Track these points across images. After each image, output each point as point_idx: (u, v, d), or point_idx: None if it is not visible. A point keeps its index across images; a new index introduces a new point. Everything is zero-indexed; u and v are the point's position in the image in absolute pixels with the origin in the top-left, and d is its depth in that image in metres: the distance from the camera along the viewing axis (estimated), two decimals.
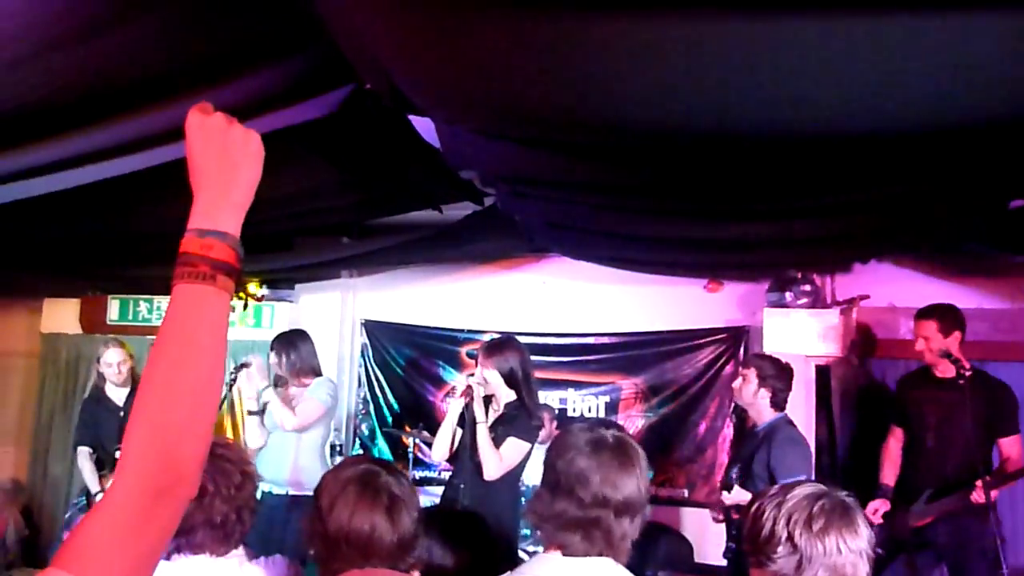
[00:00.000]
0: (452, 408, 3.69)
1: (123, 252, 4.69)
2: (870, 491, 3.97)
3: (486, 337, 5.39)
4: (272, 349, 4.35)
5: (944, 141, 2.48)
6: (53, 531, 5.89)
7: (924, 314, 3.84)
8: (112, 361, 4.73)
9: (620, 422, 5.45)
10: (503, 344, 3.77)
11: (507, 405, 3.59)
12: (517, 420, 3.53)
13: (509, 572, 1.68)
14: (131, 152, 2.69)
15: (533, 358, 5.56)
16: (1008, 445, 3.66)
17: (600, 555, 1.61)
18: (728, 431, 5.26)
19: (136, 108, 2.41)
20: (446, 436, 3.70)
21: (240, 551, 1.94)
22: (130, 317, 5.90)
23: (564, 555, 1.61)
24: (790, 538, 1.45)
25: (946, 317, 3.77)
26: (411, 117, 2.74)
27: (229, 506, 1.87)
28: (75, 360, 6.10)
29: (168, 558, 1.91)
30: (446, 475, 5.27)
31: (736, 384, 3.83)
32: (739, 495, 3.56)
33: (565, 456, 1.66)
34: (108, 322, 5.95)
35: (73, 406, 6.00)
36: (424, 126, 2.85)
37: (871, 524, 3.75)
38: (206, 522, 1.84)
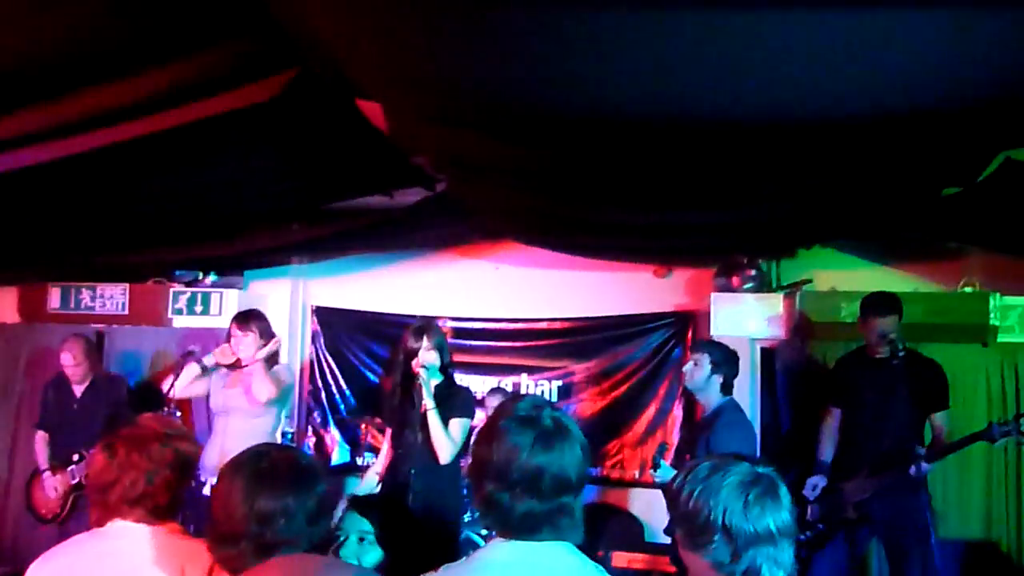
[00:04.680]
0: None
1: (65, 238, 4.57)
2: (814, 471, 4.10)
3: (440, 323, 5.40)
4: (252, 327, 4.18)
5: (881, 131, 2.57)
6: None
7: (887, 310, 3.86)
8: (66, 364, 4.83)
9: (573, 406, 5.53)
10: (436, 326, 3.82)
11: (437, 387, 3.61)
12: (454, 399, 3.56)
13: (464, 559, 1.65)
14: (76, 134, 2.63)
15: (486, 343, 5.65)
16: (939, 420, 3.84)
17: (561, 539, 1.60)
18: (678, 413, 5.37)
19: (78, 90, 2.36)
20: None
21: (173, 525, 1.99)
22: (72, 305, 5.72)
23: (520, 540, 1.58)
24: (726, 528, 1.46)
25: (898, 308, 3.88)
26: (360, 101, 2.73)
27: (138, 471, 1.93)
28: (15, 351, 5.91)
29: (101, 525, 1.97)
30: None
31: (687, 369, 3.88)
32: (668, 474, 3.64)
33: (517, 457, 1.57)
34: (49, 311, 5.77)
35: (13, 399, 5.84)
36: (373, 111, 2.83)
37: (808, 500, 3.91)
38: (117, 486, 1.92)
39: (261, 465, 1.73)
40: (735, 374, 3.82)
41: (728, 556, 1.46)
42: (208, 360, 4.14)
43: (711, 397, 3.77)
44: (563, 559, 1.59)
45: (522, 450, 1.57)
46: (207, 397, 4.21)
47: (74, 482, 4.74)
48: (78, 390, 4.88)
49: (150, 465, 1.94)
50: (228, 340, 4.09)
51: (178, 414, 4.66)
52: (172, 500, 1.97)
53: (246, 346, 4.06)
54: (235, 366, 4.18)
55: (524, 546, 1.57)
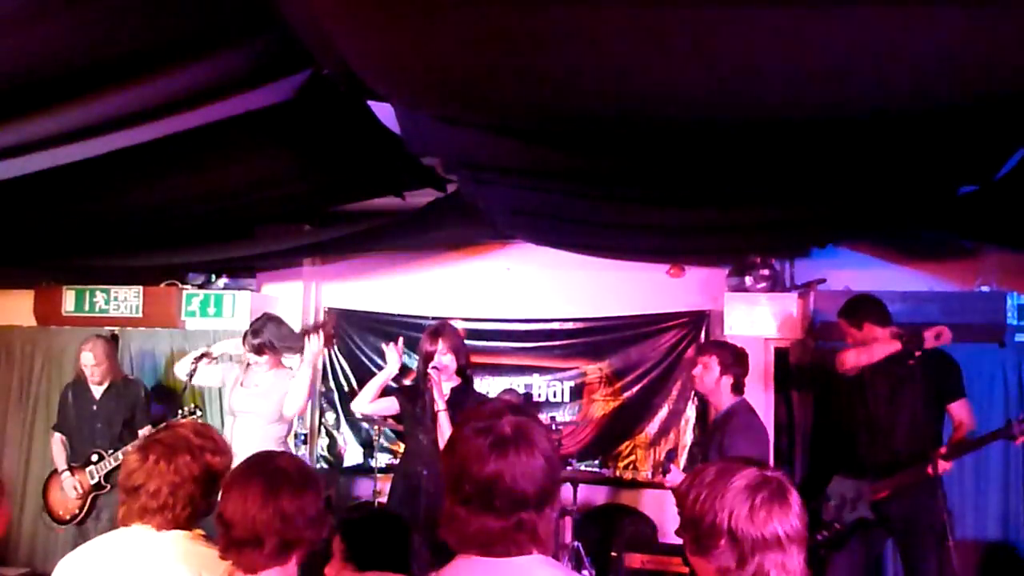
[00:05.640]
0: (390, 360, 3.82)
1: (78, 241, 4.60)
2: (829, 470, 4.08)
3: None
4: (264, 350, 4.19)
5: (895, 129, 2.55)
6: (9, 529, 5.76)
7: (838, 313, 4.00)
8: (87, 363, 4.85)
9: (585, 406, 5.52)
10: (451, 328, 3.83)
11: (453, 390, 3.62)
12: (468, 402, 3.57)
13: (433, 573, 1.58)
14: (88, 137, 2.64)
15: (498, 344, 5.65)
16: (957, 409, 3.80)
17: (530, 552, 1.50)
18: (691, 413, 5.35)
19: (92, 92, 2.37)
20: (373, 387, 3.82)
21: (195, 531, 2.00)
22: (86, 308, 5.76)
23: (487, 556, 1.49)
24: (731, 533, 1.43)
25: (853, 313, 3.92)
26: (371, 103, 2.73)
27: (163, 481, 1.95)
28: (30, 353, 5.96)
29: (127, 525, 1.99)
30: None
31: (696, 372, 3.84)
32: (678, 478, 3.62)
33: (469, 465, 1.48)
34: (64, 313, 5.81)
35: (28, 401, 5.89)
36: (384, 112, 2.83)
37: (822, 505, 3.87)
38: (142, 491, 1.95)
39: (272, 468, 1.77)
40: (745, 373, 3.78)
41: (734, 561, 1.42)
42: (217, 349, 4.20)
43: (723, 399, 3.75)
44: (538, 574, 1.50)
45: (474, 458, 1.48)
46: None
47: (93, 483, 4.78)
48: (97, 392, 4.92)
49: (176, 477, 1.96)
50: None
51: (199, 414, 4.67)
52: (192, 513, 1.98)
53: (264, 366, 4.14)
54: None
55: (493, 563, 1.48)
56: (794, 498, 1.48)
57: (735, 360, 3.75)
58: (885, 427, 3.83)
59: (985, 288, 4.55)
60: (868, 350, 3.82)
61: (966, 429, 3.74)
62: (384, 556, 2.34)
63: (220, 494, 1.79)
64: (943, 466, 3.55)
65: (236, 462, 4.16)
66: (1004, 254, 4.71)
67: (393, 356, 3.84)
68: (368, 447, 5.75)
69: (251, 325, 4.22)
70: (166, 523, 1.96)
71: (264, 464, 1.80)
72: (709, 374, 3.73)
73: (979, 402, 4.36)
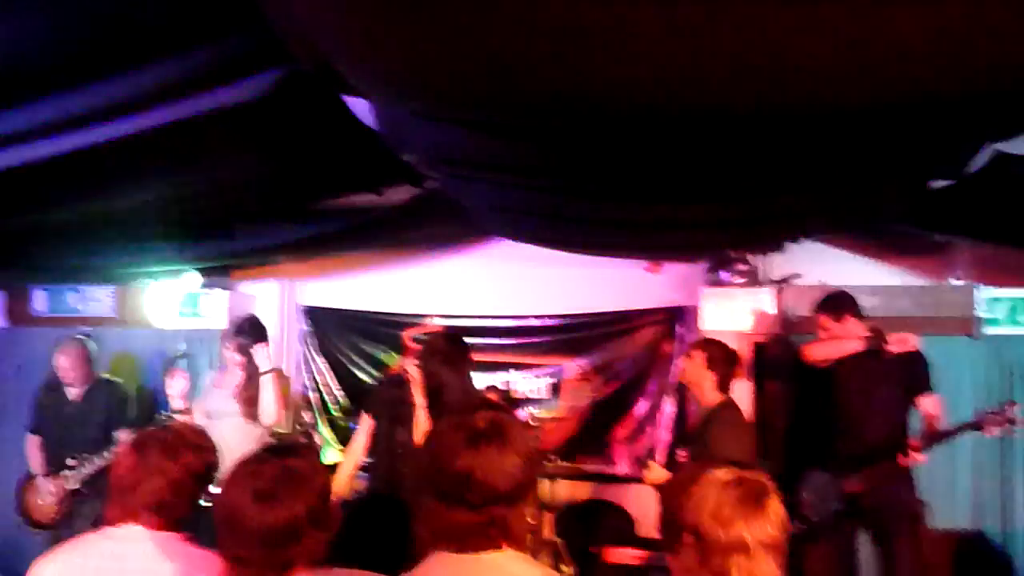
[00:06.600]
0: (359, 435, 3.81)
1: (49, 240, 4.53)
2: (807, 465, 4.12)
3: (429, 321, 5.40)
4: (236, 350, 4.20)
5: (867, 123, 2.58)
6: None
7: (816, 308, 4.11)
8: (63, 367, 4.74)
9: (563, 403, 5.54)
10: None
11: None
12: (448, 396, 3.58)
13: (404, 574, 1.58)
14: (57, 133, 2.60)
15: (477, 341, 5.64)
16: (927, 403, 3.86)
17: (500, 548, 1.50)
18: (669, 409, 5.38)
19: (64, 87, 2.33)
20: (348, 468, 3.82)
21: (183, 534, 1.94)
22: (59, 308, 5.69)
23: (460, 552, 1.49)
24: (696, 531, 1.40)
25: (835, 307, 4.01)
26: (348, 98, 2.71)
27: (165, 478, 1.89)
28: (2, 355, 5.85)
29: (115, 524, 1.91)
30: None
31: (682, 363, 3.90)
32: (658, 473, 3.64)
33: (443, 459, 1.49)
34: (35, 314, 5.73)
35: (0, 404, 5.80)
36: (361, 108, 2.82)
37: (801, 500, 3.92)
38: (140, 489, 1.88)
39: (259, 483, 1.62)
40: (731, 374, 3.77)
41: (697, 561, 1.40)
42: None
43: (705, 394, 3.76)
44: (510, 570, 1.50)
45: (448, 452, 1.49)
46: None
47: (71, 488, 4.67)
48: (73, 394, 4.79)
49: (178, 475, 1.90)
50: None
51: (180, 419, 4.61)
52: (187, 513, 1.91)
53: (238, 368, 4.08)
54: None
55: (464, 559, 1.48)
56: (772, 504, 1.44)
57: (723, 357, 3.76)
58: (859, 421, 3.89)
59: (956, 282, 4.62)
60: (835, 345, 3.88)
61: (936, 422, 3.80)
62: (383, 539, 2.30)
63: (213, 505, 1.67)
64: (918, 458, 3.61)
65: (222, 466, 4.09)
66: (975, 248, 4.78)
67: None
68: (347, 446, 5.73)
69: (234, 325, 4.18)
70: (162, 523, 1.89)
71: (250, 479, 1.64)
72: (694, 366, 3.76)
73: (950, 394, 4.40)
